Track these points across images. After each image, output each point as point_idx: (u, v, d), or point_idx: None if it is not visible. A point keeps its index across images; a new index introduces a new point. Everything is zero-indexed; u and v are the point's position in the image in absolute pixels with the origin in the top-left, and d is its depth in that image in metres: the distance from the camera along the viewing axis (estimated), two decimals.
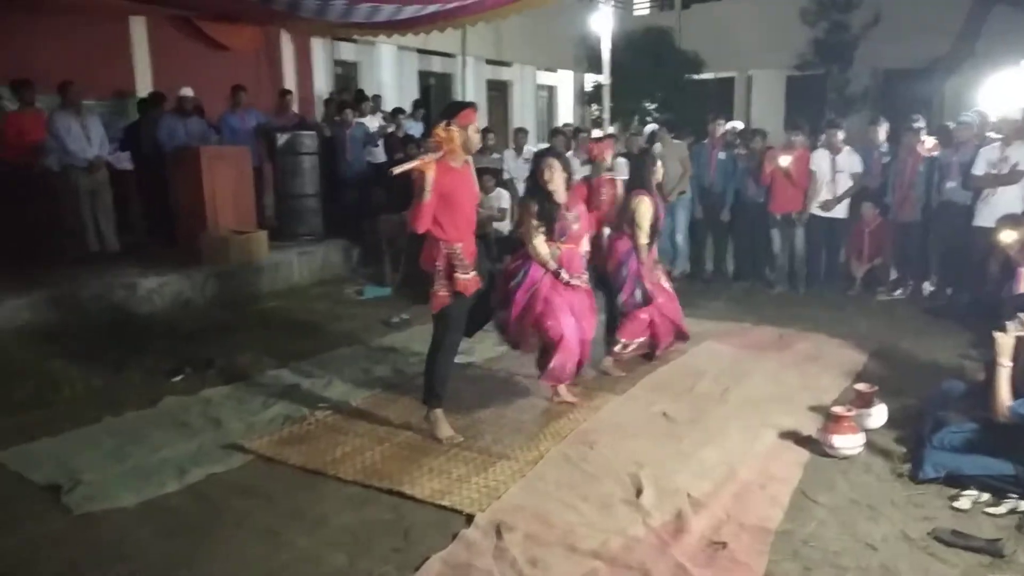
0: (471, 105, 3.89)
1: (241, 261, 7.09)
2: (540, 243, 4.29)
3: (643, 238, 4.90)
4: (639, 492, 3.35)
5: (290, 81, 10.67)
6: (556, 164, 4.29)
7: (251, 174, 7.86)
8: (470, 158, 3.94)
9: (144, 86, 9.05)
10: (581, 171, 7.80)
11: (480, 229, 7.51)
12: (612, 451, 3.79)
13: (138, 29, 9.00)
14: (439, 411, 3.98)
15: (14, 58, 7.39)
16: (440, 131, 3.75)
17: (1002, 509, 3.17)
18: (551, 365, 4.27)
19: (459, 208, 3.79)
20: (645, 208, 4.85)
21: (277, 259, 7.49)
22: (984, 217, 6.08)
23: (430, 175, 3.61)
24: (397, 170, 3.68)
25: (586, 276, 4.52)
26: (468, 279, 3.80)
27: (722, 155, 7.70)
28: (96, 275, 6.32)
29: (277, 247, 7.67)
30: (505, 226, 7.85)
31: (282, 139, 8.20)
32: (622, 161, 8.24)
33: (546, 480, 3.49)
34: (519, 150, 8.94)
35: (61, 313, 5.73)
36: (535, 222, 4.29)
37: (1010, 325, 3.45)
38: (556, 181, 4.26)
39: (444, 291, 3.80)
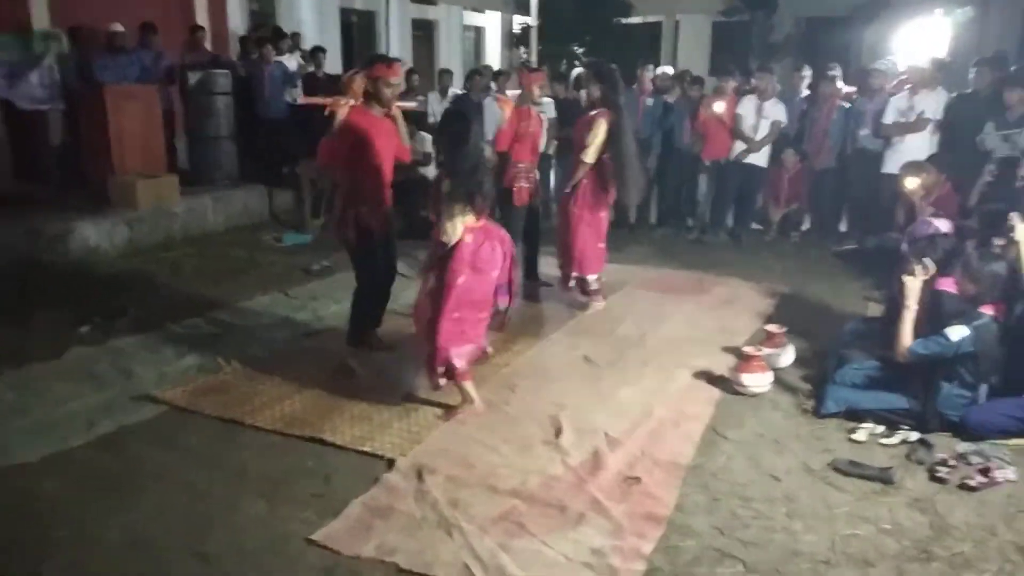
0: (386, 60, 3.96)
1: (151, 206, 6.78)
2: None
3: (588, 157, 4.89)
4: (558, 433, 3.43)
5: (202, 16, 10.07)
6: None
7: (160, 115, 7.48)
8: (398, 114, 4.03)
9: (41, 19, 8.39)
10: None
11: (404, 174, 7.42)
12: (533, 394, 3.86)
13: None
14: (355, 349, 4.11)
15: None
16: (346, 76, 3.96)
17: (895, 440, 3.39)
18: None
19: (371, 154, 3.86)
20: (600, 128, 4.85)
21: (190, 204, 7.19)
22: (892, 164, 6.32)
23: (340, 114, 3.75)
24: (302, 100, 3.95)
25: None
26: (374, 216, 3.92)
27: (649, 101, 7.71)
28: None
29: (190, 192, 7.36)
30: (430, 171, 7.72)
31: (194, 78, 7.80)
32: (549, 101, 8.22)
33: (468, 424, 3.53)
34: (443, 92, 8.75)
35: None
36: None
37: (918, 269, 3.61)
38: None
39: (350, 230, 3.91)
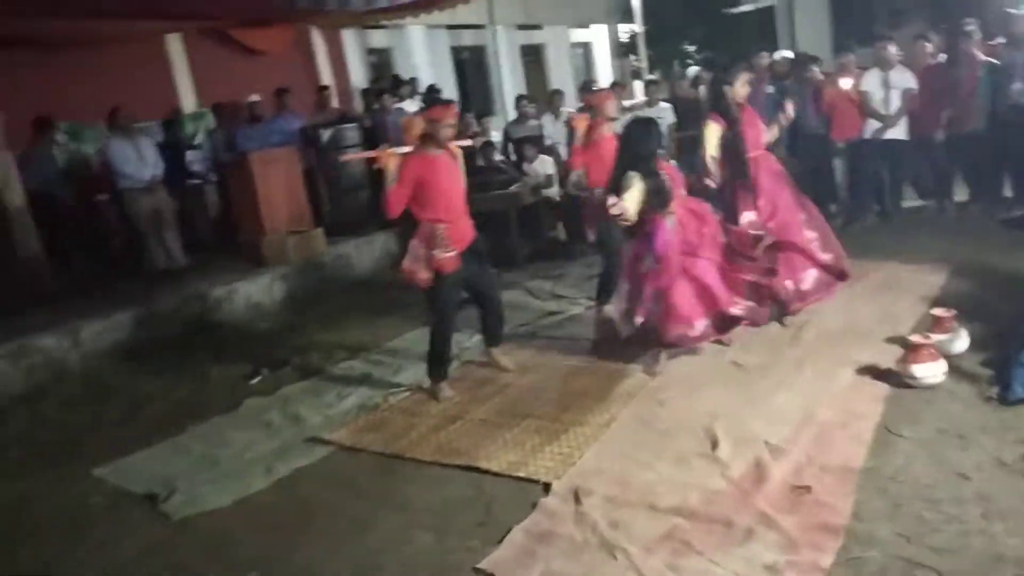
0: (443, 102, 4.21)
1: (302, 259, 7.25)
2: (632, 203, 4.05)
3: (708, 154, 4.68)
4: (715, 445, 3.32)
5: (326, 76, 10.74)
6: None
7: (300, 173, 8.00)
8: (457, 153, 4.20)
9: (188, 101, 9.28)
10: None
11: (529, 198, 7.52)
12: (683, 406, 3.76)
13: (175, 46, 9.21)
14: (442, 383, 4.28)
15: (64, 94, 7.64)
16: (404, 119, 4.13)
17: None
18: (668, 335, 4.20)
19: (439, 193, 4.01)
20: (710, 131, 4.68)
21: (336, 253, 7.62)
22: None
23: (391, 166, 3.90)
24: (345, 157, 4.12)
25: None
26: (446, 257, 4.00)
27: (770, 88, 7.42)
28: (169, 291, 6.55)
29: (335, 242, 7.80)
30: (553, 192, 7.79)
31: (325, 135, 8.30)
32: (666, 106, 8.08)
33: (619, 442, 3.49)
34: (556, 113, 8.81)
35: (141, 331, 5.98)
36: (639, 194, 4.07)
37: None
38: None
39: (423, 271, 4.00)
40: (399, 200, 3.98)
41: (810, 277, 4.67)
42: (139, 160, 7.04)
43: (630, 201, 4.03)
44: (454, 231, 4.07)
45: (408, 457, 3.64)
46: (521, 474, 3.32)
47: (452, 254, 4.03)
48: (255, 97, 8.65)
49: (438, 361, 4.28)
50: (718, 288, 4.21)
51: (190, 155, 8.68)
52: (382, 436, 3.90)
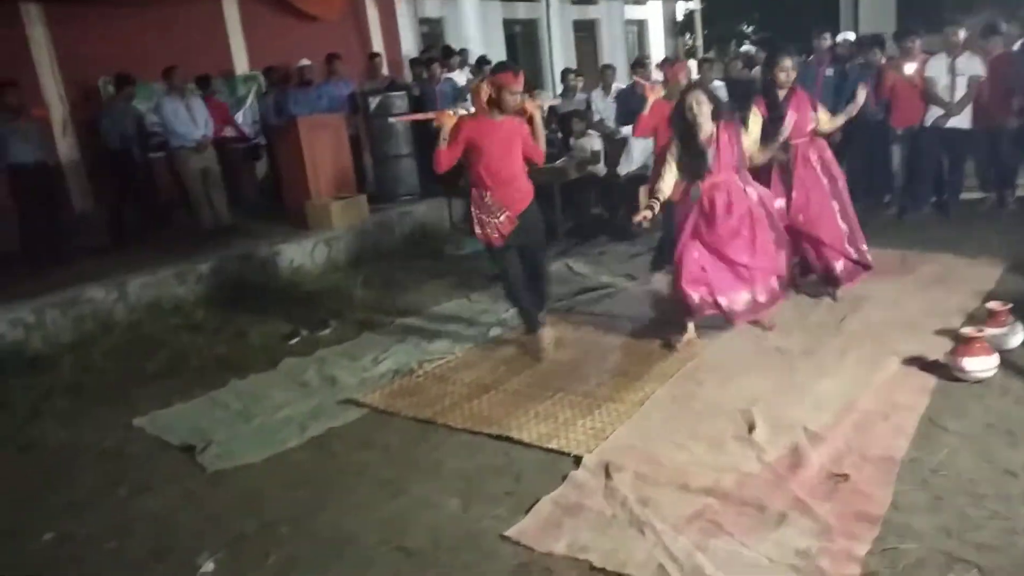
0: (511, 69, 4.13)
1: (344, 225, 7.29)
2: (667, 183, 4.17)
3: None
4: (751, 428, 3.25)
5: (378, 44, 10.73)
6: (703, 98, 4.14)
7: (347, 140, 8.03)
8: (536, 114, 4.22)
9: (241, 64, 9.37)
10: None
11: (574, 174, 7.43)
12: (721, 388, 3.70)
13: (231, 9, 9.28)
14: (537, 333, 4.35)
15: (125, 52, 7.77)
16: (473, 85, 4.20)
17: None
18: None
19: (489, 159, 4.06)
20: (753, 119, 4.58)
21: (379, 220, 7.65)
22: None
23: (447, 125, 3.98)
24: (394, 119, 4.18)
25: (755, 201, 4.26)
26: (497, 223, 4.11)
27: (829, 71, 7.19)
28: (213, 249, 6.66)
29: (377, 209, 7.84)
30: (600, 169, 7.69)
31: (374, 102, 8.31)
32: (719, 84, 7.91)
33: (653, 420, 3.45)
34: (607, 88, 8.67)
35: (185, 287, 6.10)
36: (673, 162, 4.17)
37: None
38: (704, 115, 4.12)
39: (486, 231, 4.13)
40: (447, 160, 4.06)
41: (839, 266, 4.77)
42: (190, 120, 7.14)
43: (665, 183, 4.14)
44: (501, 196, 4.10)
45: (440, 423, 3.65)
46: (552, 446, 3.30)
47: (502, 219, 4.10)
48: (306, 61, 8.72)
49: (523, 316, 4.42)
50: (713, 273, 4.15)
51: (239, 116, 8.81)
52: (415, 401, 3.92)
